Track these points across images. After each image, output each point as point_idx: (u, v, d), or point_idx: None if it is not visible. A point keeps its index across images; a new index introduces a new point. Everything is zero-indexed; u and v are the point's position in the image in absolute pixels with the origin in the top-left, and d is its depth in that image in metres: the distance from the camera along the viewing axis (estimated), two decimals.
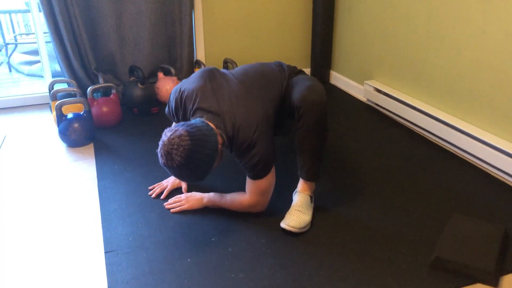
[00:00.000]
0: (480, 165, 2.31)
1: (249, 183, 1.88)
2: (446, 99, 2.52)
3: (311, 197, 1.95)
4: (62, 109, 2.77)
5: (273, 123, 1.90)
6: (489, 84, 2.23)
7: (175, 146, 1.59)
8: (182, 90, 1.89)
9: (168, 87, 3.15)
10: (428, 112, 2.56)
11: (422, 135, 2.66)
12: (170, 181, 2.15)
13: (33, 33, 3.93)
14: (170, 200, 2.03)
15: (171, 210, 1.98)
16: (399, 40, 2.81)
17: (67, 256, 1.73)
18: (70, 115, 2.63)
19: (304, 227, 1.83)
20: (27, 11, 3.86)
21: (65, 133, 2.58)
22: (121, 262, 1.68)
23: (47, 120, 3.02)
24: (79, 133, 2.59)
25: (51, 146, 2.64)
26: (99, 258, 1.72)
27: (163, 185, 2.15)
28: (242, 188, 1.99)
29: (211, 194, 2.00)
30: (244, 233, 1.84)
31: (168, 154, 1.60)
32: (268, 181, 1.86)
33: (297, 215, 1.84)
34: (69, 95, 2.97)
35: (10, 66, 4.64)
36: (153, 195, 2.11)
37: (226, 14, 3.40)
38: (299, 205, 1.89)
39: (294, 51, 3.69)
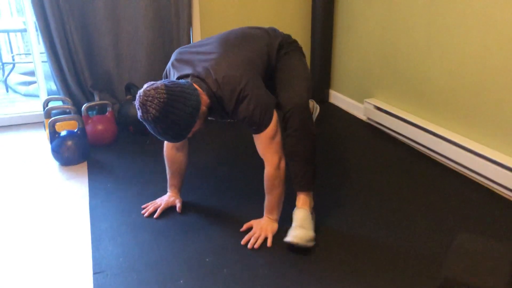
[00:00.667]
0: (483, 182, 2.23)
1: (259, 142, 1.78)
2: (447, 116, 2.46)
3: (311, 212, 1.89)
4: (56, 126, 2.71)
5: (263, 74, 1.85)
6: (492, 99, 2.17)
7: (150, 98, 1.54)
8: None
9: None
10: (429, 129, 2.50)
11: (424, 153, 2.59)
12: (164, 200, 2.07)
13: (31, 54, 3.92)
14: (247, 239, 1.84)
15: (255, 246, 1.79)
16: (399, 57, 2.77)
17: (53, 277, 1.64)
18: (63, 133, 2.57)
19: (309, 241, 1.74)
20: (25, 30, 3.84)
21: (58, 151, 2.51)
22: (110, 284, 1.60)
23: (41, 139, 2.96)
24: (72, 151, 2.52)
25: (44, 164, 2.57)
26: (87, 280, 1.63)
27: (156, 203, 2.07)
28: (239, 207, 1.92)
29: (266, 211, 1.89)
30: (241, 253, 1.75)
31: (143, 106, 1.54)
32: (275, 126, 1.77)
33: (300, 231, 1.76)
34: (64, 112, 2.91)
35: (7, 87, 4.60)
36: (146, 214, 2.02)
37: None
38: (300, 221, 1.81)
39: None
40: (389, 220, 1.95)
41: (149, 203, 2.09)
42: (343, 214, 2.01)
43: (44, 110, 2.82)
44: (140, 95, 1.55)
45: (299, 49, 2.09)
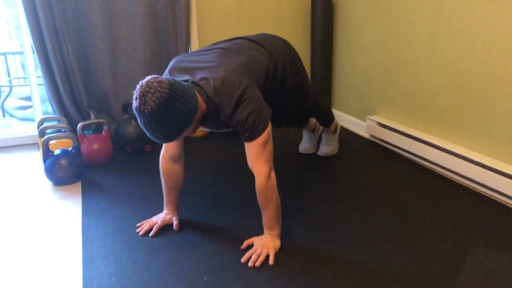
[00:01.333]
0: (493, 195, 2.14)
1: (249, 150, 1.72)
2: (454, 130, 2.38)
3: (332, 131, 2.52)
4: (50, 146, 2.64)
5: (262, 85, 1.85)
6: (498, 111, 2.10)
7: (152, 90, 1.47)
8: None
9: None
10: (435, 143, 2.42)
11: (430, 168, 2.50)
12: (161, 217, 1.98)
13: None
14: (250, 256, 1.73)
15: (257, 264, 1.68)
16: (401, 72, 2.71)
17: None
18: (57, 152, 2.49)
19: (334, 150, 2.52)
20: (21, 52, 3.81)
21: (51, 170, 2.43)
22: None
23: (35, 159, 2.87)
24: (66, 170, 2.43)
25: (36, 185, 2.48)
26: None
27: (152, 221, 1.97)
28: (238, 224, 1.82)
29: (265, 227, 1.81)
30: (240, 271, 1.64)
31: (143, 96, 1.47)
32: (267, 135, 1.71)
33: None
34: (58, 131, 2.83)
35: (4, 111, 4.56)
36: (141, 233, 1.92)
37: None
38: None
39: None
40: (396, 236, 1.85)
41: (145, 221, 2.00)
42: (349, 231, 1.91)
43: (38, 129, 2.75)
44: (142, 85, 1.49)
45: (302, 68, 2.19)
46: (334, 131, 2.76)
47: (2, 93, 4.61)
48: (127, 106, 2.94)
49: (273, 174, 1.75)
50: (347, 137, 3.12)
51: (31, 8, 2.74)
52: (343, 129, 3.29)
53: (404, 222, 1.95)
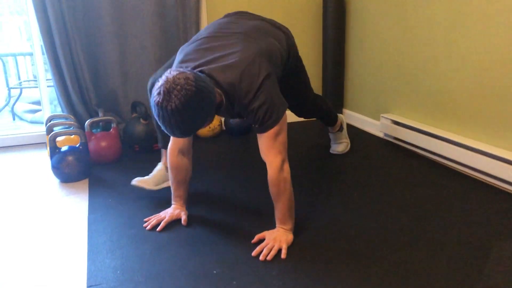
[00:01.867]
0: None
1: (262, 142, 1.65)
2: (474, 125, 2.30)
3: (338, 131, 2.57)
4: (58, 143, 2.59)
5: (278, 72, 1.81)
6: None
7: (178, 87, 1.40)
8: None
9: None
10: (454, 140, 2.33)
11: (449, 166, 2.41)
12: (169, 212, 1.91)
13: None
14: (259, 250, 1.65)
15: (268, 258, 1.60)
16: (416, 68, 2.64)
17: None
18: (64, 148, 2.44)
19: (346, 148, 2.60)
20: (31, 53, 3.80)
21: (58, 167, 2.38)
22: None
23: (43, 158, 2.83)
24: (73, 166, 2.38)
25: (43, 182, 2.43)
26: None
27: (160, 216, 1.90)
28: (249, 221, 1.75)
29: (277, 221, 1.73)
30: (252, 265, 1.57)
31: (168, 93, 1.39)
32: (280, 125, 1.64)
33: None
34: (66, 128, 2.79)
35: (14, 115, 4.54)
36: (149, 227, 1.86)
37: None
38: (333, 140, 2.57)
39: None
40: (417, 234, 1.76)
41: (152, 216, 1.93)
42: (366, 227, 1.83)
43: (46, 126, 2.70)
44: (167, 80, 1.42)
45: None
46: (340, 129, 2.67)
47: (12, 96, 4.60)
48: (136, 105, 2.89)
49: (286, 166, 1.67)
50: (361, 136, 3.04)
51: (40, 5, 2.72)
52: (356, 129, 3.21)
53: (423, 219, 1.87)
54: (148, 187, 2.03)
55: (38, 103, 5.01)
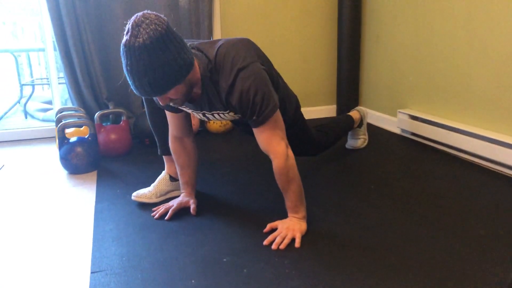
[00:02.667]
0: None
1: (260, 134, 1.55)
2: (495, 117, 2.20)
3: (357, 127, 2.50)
4: (67, 134, 2.54)
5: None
6: None
7: (147, 21, 1.29)
8: None
9: None
10: (475, 132, 2.24)
11: (468, 160, 2.31)
12: (177, 201, 1.84)
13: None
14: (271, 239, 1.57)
15: (281, 247, 1.52)
16: (435, 60, 2.55)
17: (49, 277, 1.41)
18: (73, 139, 2.39)
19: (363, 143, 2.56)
20: (43, 49, 3.77)
21: (66, 158, 2.33)
22: (109, 283, 1.35)
23: (52, 151, 2.78)
24: (81, 157, 2.33)
25: (51, 173, 2.38)
26: (83, 279, 1.39)
27: (168, 205, 1.84)
28: (261, 210, 1.66)
29: (289, 210, 1.64)
30: (263, 254, 1.49)
31: (136, 27, 1.28)
32: (277, 113, 1.55)
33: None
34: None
35: (26, 113, 4.53)
36: (157, 216, 1.79)
37: None
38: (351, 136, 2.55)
39: (318, 86, 3.46)
40: (435, 224, 1.67)
41: (161, 205, 1.86)
42: (383, 218, 1.74)
43: (55, 117, 2.66)
44: (136, 16, 1.31)
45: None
46: (359, 125, 2.57)
47: (23, 96, 4.59)
48: None
49: (290, 152, 1.58)
50: (377, 133, 2.94)
51: None
52: (371, 126, 3.12)
53: (443, 212, 1.77)
54: (149, 201, 1.91)
55: (50, 103, 5.01)
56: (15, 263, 1.49)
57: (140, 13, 1.32)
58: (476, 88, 2.29)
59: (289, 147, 1.59)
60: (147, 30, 1.28)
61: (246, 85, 1.47)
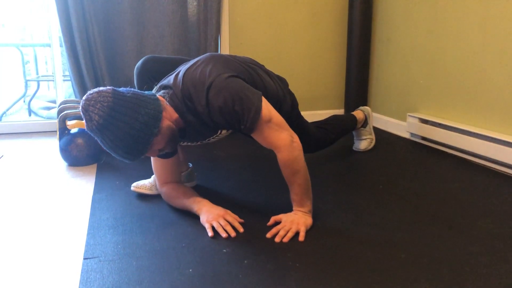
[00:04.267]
0: None
1: (258, 136, 1.50)
2: (510, 120, 2.13)
3: (361, 127, 2.44)
4: (68, 126, 2.49)
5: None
6: None
7: (92, 103, 1.30)
8: None
9: None
10: (489, 135, 2.16)
11: (482, 164, 2.23)
12: (224, 212, 1.58)
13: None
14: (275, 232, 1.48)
15: (284, 240, 1.44)
16: (448, 63, 2.48)
17: (41, 264, 1.34)
18: (74, 130, 2.34)
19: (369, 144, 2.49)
20: (49, 45, 3.75)
21: (66, 149, 2.27)
22: (102, 270, 1.28)
23: (53, 144, 2.73)
24: (81, 149, 2.27)
25: (50, 164, 2.32)
26: (75, 265, 1.32)
27: (223, 220, 1.54)
28: (265, 204, 1.59)
29: (294, 204, 1.56)
30: (266, 246, 1.42)
31: (85, 112, 1.30)
32: (266, 109, 1.48)
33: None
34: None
35: (30, 111, 4.50)
36: (233, 234, 1.48)
37: (255, 47, 3.17)
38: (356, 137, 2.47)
39: (326, 89, 3.40)
40: (446, 223, 1.59)
41: (213, 229, 1.51)
42: (392, 216, 1.66)
43: (57, 109, 2.61)
44: (82, 100, 1.32)
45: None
46: (364, 125, 2.49)
47: (27, 96, 4.57)
48: None
49: (296, 142, 1.51)
50: (385, 137, 2.87)
51: None
52: (380, 131, 3.05)
53: (455, 212, 1.69)
54: (148, 192, 1.85)
55: (54, 102, 4.98)
56: (7, 248, 1.43)
57: (84, 97, 1.34)
58: (490, 91, 2.22)
59: (294, 136, 1.52)
60: (95, 112, 1.29)
61: (220, 99, 1.43)
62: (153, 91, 1.58)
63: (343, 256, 1.35)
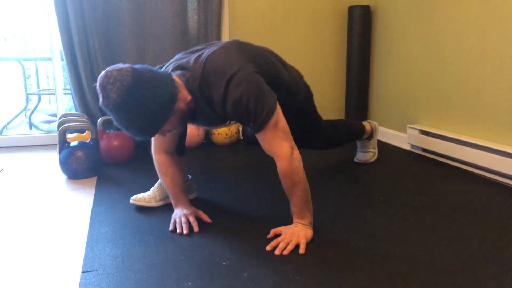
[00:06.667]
0: None
1: (262, 138, 1.50)
2: (510, 131, 2.12)
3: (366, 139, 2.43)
4: (68, 139, 2.49)
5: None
6: None
7: (111, 80, 1.29)
8: None
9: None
10: (489, 146, 2.15)
11: (483, 175, 2.21)
12: (189, 212, 1.67)
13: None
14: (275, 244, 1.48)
15: (285, 252, 1.43)
16: (447, 75, 2.49)
17: (39, 276, 1.33)
18: (74, 143, 2.33)
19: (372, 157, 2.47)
20: (50, 58, 3.77)
21: (66, 162, 2.26)
22: (100, 283, 1.27)
23: (53, 157, 2.73)
24: (81, 162, 2.26)
25: (50, 177, 2.31)
26: (73, 279, 1.30)
27: (183, 218, 1.64)
28: (264, 217, 1.59)
29: (294, 216, 1.55)
30: (265, 259, 1.40)
31: (103, 89, 1.29)
32: (276, 114, 1.48)
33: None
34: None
35: (30, 124, 4.51)
36: (186, 231, 1.58)
37: None
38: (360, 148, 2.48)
39: (326, 103, 3.40)
40: (449, 235, 1.58)
41: (173, 221, 1.64)
42: (394, 229, 1.65)
43: (58, 121, 2.61)
44: (101, 77, 1.31)
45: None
46: (369, 137, 2.50)
47: (28, 109, 4.58)
48: None
49: (296, 153, 1.51)
50: (386, 149, 2.86)
51: (61, 2, 2.68)
52: (381, 142, 3.04)
53: (456, 223, 1.68)
54: (147, 205, 1.84)
55: (55, 115, 4.99)
56: (6, 261, 1.41)
57: (102, 73, 1.33)
58: (489, 102, 2.22)
59: (295, 148, 1.51)
60: (114, 90, 1.29)
61: (237, 93, 1.43)
62: (169, 70, 1.56)
63: (344, 268, 1.33)
